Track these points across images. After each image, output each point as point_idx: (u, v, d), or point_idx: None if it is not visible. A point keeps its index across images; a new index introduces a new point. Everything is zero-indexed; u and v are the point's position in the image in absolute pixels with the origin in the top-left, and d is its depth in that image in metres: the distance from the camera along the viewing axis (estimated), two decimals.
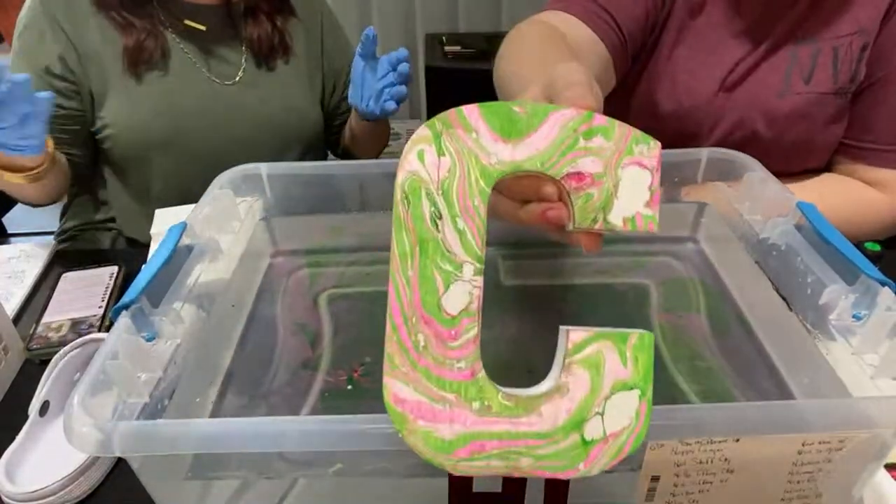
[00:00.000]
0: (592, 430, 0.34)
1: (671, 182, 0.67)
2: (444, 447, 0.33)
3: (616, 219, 0.37)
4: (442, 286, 0.34)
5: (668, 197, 0.68)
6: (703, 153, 0.65)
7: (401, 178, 0.34)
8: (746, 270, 0.61)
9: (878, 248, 0.72)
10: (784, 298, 0.55)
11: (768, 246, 0.57)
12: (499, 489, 0.40)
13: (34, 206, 0.91)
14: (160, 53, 0.89)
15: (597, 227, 0.37)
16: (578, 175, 0.36)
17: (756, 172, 0.60)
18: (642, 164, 0.37)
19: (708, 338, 0.58)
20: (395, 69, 0.85)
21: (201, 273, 0.55)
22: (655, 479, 0.40)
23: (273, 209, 0.68)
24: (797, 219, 0.55)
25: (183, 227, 0.53)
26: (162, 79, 0.90)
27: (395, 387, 0.33)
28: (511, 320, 0.61)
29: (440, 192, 0.34)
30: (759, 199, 0.59)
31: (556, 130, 0.36)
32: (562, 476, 0.34)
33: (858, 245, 0.71)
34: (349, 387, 0.54)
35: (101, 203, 1.01)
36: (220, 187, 0.62)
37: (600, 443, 0.34)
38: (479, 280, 0.34)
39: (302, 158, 1.03)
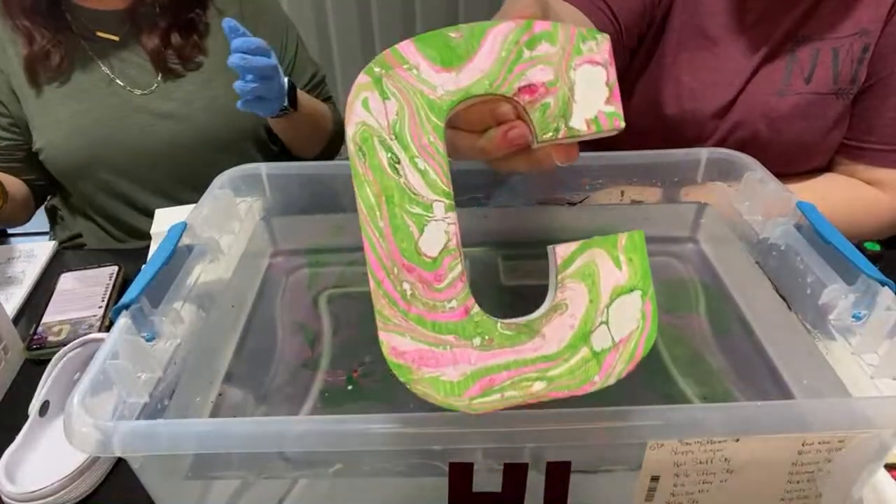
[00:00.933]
0: (600, 340, 0.33)
1: (671, 182, 0.67)
2: (454, 389, 0.32)
3: (579, 123, 0.35)
4: (416, 230, 0.33)
5: (668, 197, 0.68)
6: (703, 153, 0.65)
7: (350, 131, 0.33)
8: (746, 270, 0.61)
9: (877, 247, 0.72)
10: (784, 298, 0.55)
11: (768, 246, 0.57)
12: (499, 489, 0.40)
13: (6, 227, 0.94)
14: (68, 65, 0.87)
15: (560, 136, 0.35)
16: (530, 87, 0.35)
17: (756, 172, 0.60)
18: (594, 60, 0.35)
19: (708, 338, 0.58)
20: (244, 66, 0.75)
21: (201, 273, 0.55)
22: (655, 479, 0.40)
23: (273, 209, 0.68)
24: (797, 219, 0.55)
25: (183, 227, 0.53)
26: (78, 96, 0.89)
27: (392, 340, 0.32)
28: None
29: (393, 136, 0.33)
30: (759, 199, 0.59)
31: (498, 46, 0.34)
32: (580, 392, 0.33)
33: (858, 245, 0.71)
34: (349, 387, 0.54)
35: (70, 221, 1.02)
36: (219, 187, 0.62)
37: (611, 351, 0.34)
38: (453, 216, 0.33)
39: (250, 157, 0.99)
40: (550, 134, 0.35)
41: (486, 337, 0.33)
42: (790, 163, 0.81)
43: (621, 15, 0.76)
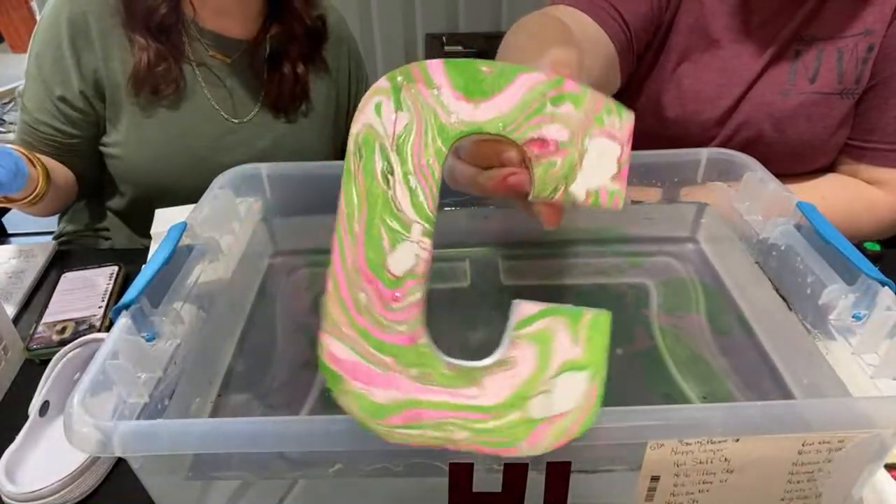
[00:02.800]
0: (537, 408, 0.32)
1: (671, 182, 0.67)
2: (378, 412, 0.32)
3: (578, 191, 0.35)
4: (388, 245, 0.32)
5: (668, 197, 0.68)
6: (703, 153, 0.65)
7: (354, 129, 0.33)
8: (746, 270, 0.61)
9: (877, 247, 0.72)
10: (784, 298, 0.55)
11: (768, 246, 0.58)
12: (499, 489, 0.40)
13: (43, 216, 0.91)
14: (174, 88, 0.86)
15: (556, 197, 0.35)
16: (542, 141, 0.34)
17: (756, 172, 0.60)
18: (612, 135, 0.35)
19: (708, 338, 0.58)
20: None
21: (201, 273, 0.55)
22: (655, 479, 0.40)
23: (273, 209, 0.68)
24: (797, 219, 0.55)
25: (183, 227, 0.53)
26: (175, 119, 0.88)
27: (331, 345, 0.32)
28: None
29: (394, 147, 0.33)
30: (759, 200, 0.59)
31: (523, 93, 0.34)
32: (501, 453, 0.32)
33: (858, 245, 0.71)
34: None
35: (100, 212, 1.00)
36: (220, 187, 0.62)
37: (545, 423, 0.32)
38: (428, 242, 0.33)
39: None
40: (548, 193, 0.35)
41: (426, 371, 0.32)
42: (795, 163, 0.81)
43: (631, 22, 0.76)
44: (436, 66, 0.34)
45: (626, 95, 0.86)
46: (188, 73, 0.88)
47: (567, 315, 0.34)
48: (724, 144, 0.81)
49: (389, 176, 0.33)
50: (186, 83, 0.88)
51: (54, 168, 0.85)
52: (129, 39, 0.85)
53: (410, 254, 0.32)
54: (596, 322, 0.34)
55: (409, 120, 0.33)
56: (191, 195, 0.89)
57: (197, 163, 0.90)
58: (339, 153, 1.06)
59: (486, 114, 0.34)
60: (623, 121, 0.35)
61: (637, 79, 0.84)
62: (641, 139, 0.82)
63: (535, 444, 0.32)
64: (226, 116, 0.91)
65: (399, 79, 0.33)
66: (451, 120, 0.33)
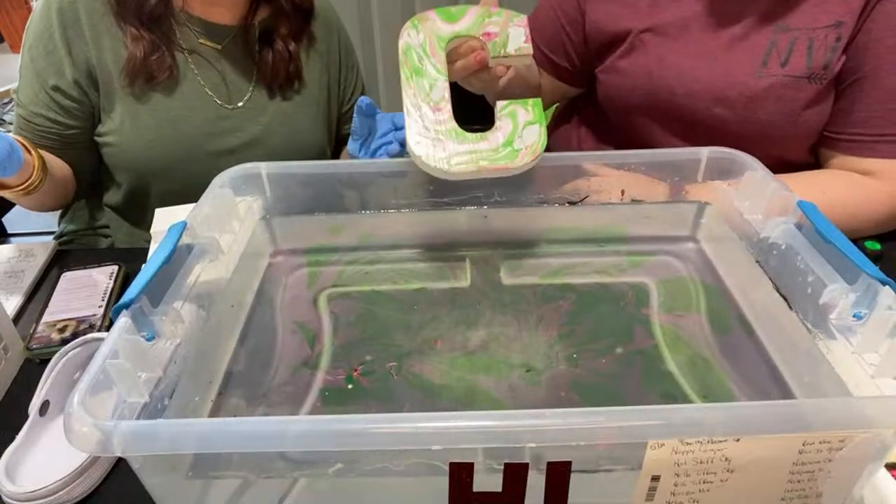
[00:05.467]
0: (518, 143, 0.63)
1: (672, 181, 0.67)
2: (442, 162, 0.61)
3: (510, 49, 0.66)
4: (428, 88, 0.64)
5: (668, 197, 0.68)
6: (703, 153, 0.65)
7: (401, 44, 0.65)
8: (746, 270, 0.61)
9: (878, 247, 0.72)
10: (784, 298, 0.55)
11: (769, 245, 0.57)
12: (499, 489, 0.40)
13: (39, 210, 0.91)
14: (167, 75, 0.86)
15: (501, 55, 0.66)
16: (488, 34, 0.66)
17: (756, 171, 0.60)
18: (519, 25, 0.66)
19: (708, 338, 0.58)
20: (396, 129, 0.80)
21: (201, 273, 0.55)
22: (655, 479, 0.40)
23: (273, 209, 0.68)
24: (798, 218, 0.55)
25: (183, 227, 0.53)
26: (168, 104, 0.88)
27: (412, 139, 0.63)
28: (511, 320, 0.61)
29: (420, 48, 0.65)
30: (760, 199, 0.59)
31: (474, 15, 0.66)
32: (509, 167, 0.62)
33: (859, 244, 0.71)
34: (349, 386, 0.54)
35: (99, 210, 1.01)
36: (219, 187, 0.62)
37: (524, 150, 0.62)
38: (446, 82, 0.65)
39: None
40: (497, 52, 0.66)
41: (461, 136, 0.63)
42: (768, 148, 0.82)
43: (546, 46, 0.97)
44: (430, 12, 0.66)
45: (588, 93, 0.97)
46: (180, 60, 0.88)
47: (522, 103, 0.64)
48: (697, 123, 0.84)
49: (422, 60, 0.65)
50: (179, 70, 0.88)
51: (51, 161, 0.85)
52: (120, 29, 0.85)
53: (441, 90, 0.64)
54: (535, 102, 0.65)
55: (424, 36, 0.65)
56: (186, 181, 0.90)
57: (191, 149, 0.90)
58: (332, 139, 1.06)
59: (459, 27, 0.66)
60: (521, 19, 0.66)
61: (608, 64, 0.90)
62: (621, 116, 0.89)
63: (522, 159, 0.62)
64: (219, 102, 0.91)
65: (415, 21, 0.66)
66: (444, 33, 0.66)
